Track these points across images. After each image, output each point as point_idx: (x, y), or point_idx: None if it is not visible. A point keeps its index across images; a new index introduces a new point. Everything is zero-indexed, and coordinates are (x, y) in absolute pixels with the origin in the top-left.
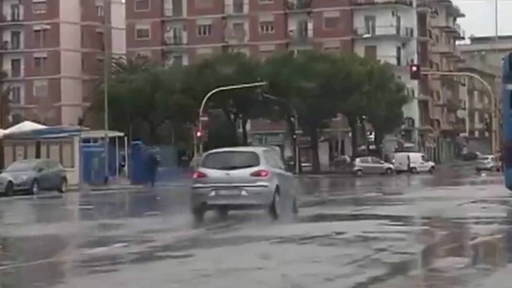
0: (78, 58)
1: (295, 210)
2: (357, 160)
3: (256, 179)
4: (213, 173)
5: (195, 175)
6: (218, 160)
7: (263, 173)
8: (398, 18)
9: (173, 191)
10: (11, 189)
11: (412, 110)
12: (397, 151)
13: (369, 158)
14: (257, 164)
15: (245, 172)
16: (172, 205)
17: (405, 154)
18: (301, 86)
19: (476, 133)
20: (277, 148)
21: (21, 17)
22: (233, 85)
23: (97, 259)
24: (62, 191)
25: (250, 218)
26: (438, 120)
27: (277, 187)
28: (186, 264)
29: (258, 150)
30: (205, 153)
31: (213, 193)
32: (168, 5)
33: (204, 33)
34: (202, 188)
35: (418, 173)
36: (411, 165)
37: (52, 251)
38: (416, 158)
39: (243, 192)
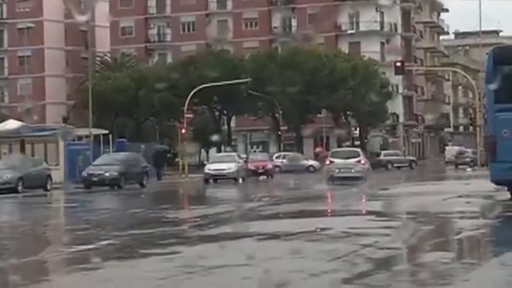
0: (62, 56)
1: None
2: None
3: (358, 164)
4: (337, 160)
5: (327, 162)
6: (339, 154)
7: (362, 161)
8: (382, 14)
9: (158, 188)
10: None
11: (396, 106)
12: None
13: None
14: (358, 156)
15: (353, 160)
16: (155, 202)
17: (457, 147)
18: (286, 82)
19: (461, 128)
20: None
21: (4, 15)
22: (217, 82)
23: (82, 257)
24: (47, 190)
25: (235, 216)
26: (422, 115)
27: (368, 168)
28: (171, 261)
29: (358, 149)
30: (332, 150)
31: (337, 171)
32: (152, 3)
33: (188, 30)
34: (331, 168)
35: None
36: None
37: (37, 249)
38: None
39: (352, 170)
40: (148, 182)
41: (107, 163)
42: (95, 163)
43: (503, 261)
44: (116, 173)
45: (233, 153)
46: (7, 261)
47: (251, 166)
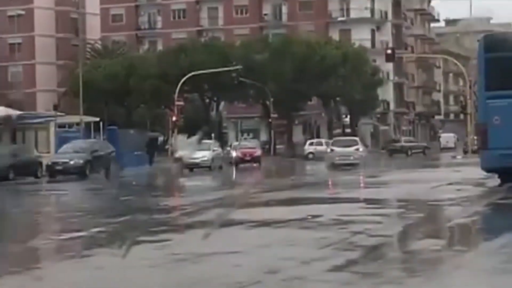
0: (52, 43)
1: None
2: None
3: (356, 151)
4: (338, 149)
5: (329, 150)
6: (339, 142)
7: (360, 149)
8: (373, 1)
9: (149, 175)
10: None
11: (387, 93)
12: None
13: None
14: (357, 144)
15: (352, 148)
16: (146, 189)
17: (451, 134)
18: (276, 70)
19: (451, 115)
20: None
21: None
22: (208, 69)
23: (73, 244)
24: (38, 177)
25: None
26: (413, 103)
27: (366, 156)
28: (162, 248)
29: (356, 138)
30: (334, 139)
31: (337, 158)
32: None
33: (179, 17)
34: (332, 156)
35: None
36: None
37: (28, 237)
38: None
39: (351, 157)
40: (141, 168)
41: (73, 151)
42: (60, 150)
43: (493, 248)
44: (81, 161)
45: (210, 141)
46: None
47: (238, 153)
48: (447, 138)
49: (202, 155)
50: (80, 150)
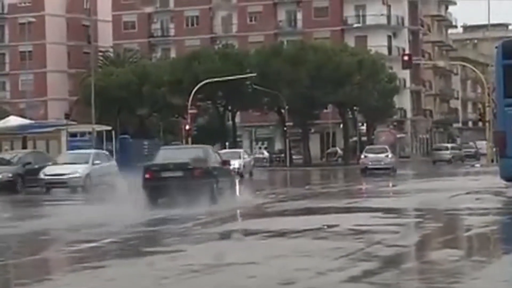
0: (64, 51)
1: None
2: None
3: (387, 158)
4: (370, 155)
5: (362, 156)
6: (371, 150)
7: (390, 155)
8: (389, 7)
9: None
10: None
11: (404, 101)
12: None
13: None
14: (387, 151)
15: (383, 154)
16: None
17: (484, 142)
18: (291, 77)
19: (470, 123)
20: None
21: (5, 10)
22: (222, 77)
23: (86, 255)
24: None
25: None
26: (430, 110)
27: (395, 161)
28: (176, 259)
29: (386, 146)
30: (366, 147)
31: (370, 163)
32: None
33: (192, 24)
34: (365, 162)
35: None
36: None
37: (40, 248)
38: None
39: (382, 162)
40: None
41: (2, 163)
42: None
43: None
44: (10, 175)
45: (90, 150)
46: (9, 260)
47: None
48: (480, 145)
49: (73, 171)
50: (11, 162)
